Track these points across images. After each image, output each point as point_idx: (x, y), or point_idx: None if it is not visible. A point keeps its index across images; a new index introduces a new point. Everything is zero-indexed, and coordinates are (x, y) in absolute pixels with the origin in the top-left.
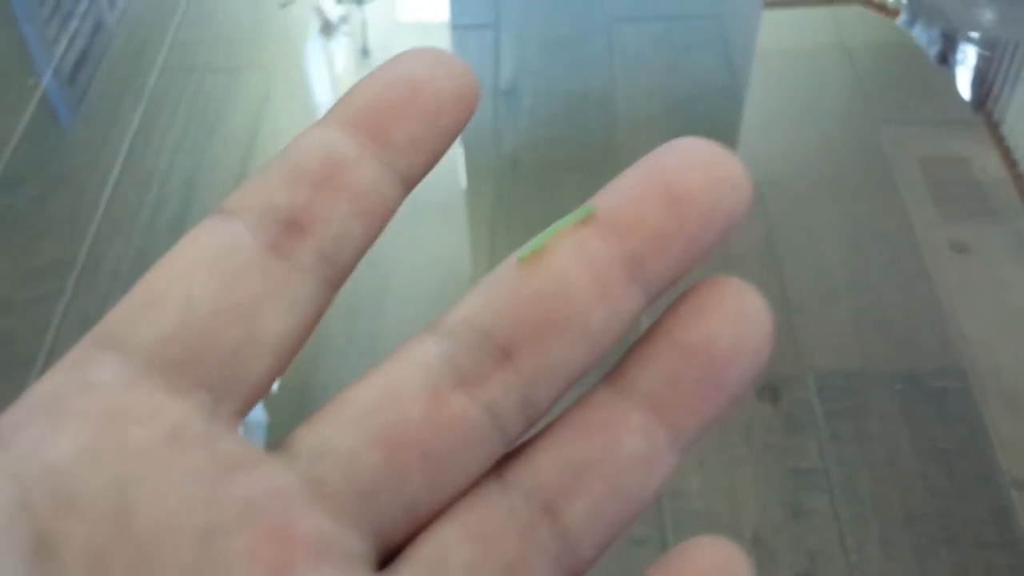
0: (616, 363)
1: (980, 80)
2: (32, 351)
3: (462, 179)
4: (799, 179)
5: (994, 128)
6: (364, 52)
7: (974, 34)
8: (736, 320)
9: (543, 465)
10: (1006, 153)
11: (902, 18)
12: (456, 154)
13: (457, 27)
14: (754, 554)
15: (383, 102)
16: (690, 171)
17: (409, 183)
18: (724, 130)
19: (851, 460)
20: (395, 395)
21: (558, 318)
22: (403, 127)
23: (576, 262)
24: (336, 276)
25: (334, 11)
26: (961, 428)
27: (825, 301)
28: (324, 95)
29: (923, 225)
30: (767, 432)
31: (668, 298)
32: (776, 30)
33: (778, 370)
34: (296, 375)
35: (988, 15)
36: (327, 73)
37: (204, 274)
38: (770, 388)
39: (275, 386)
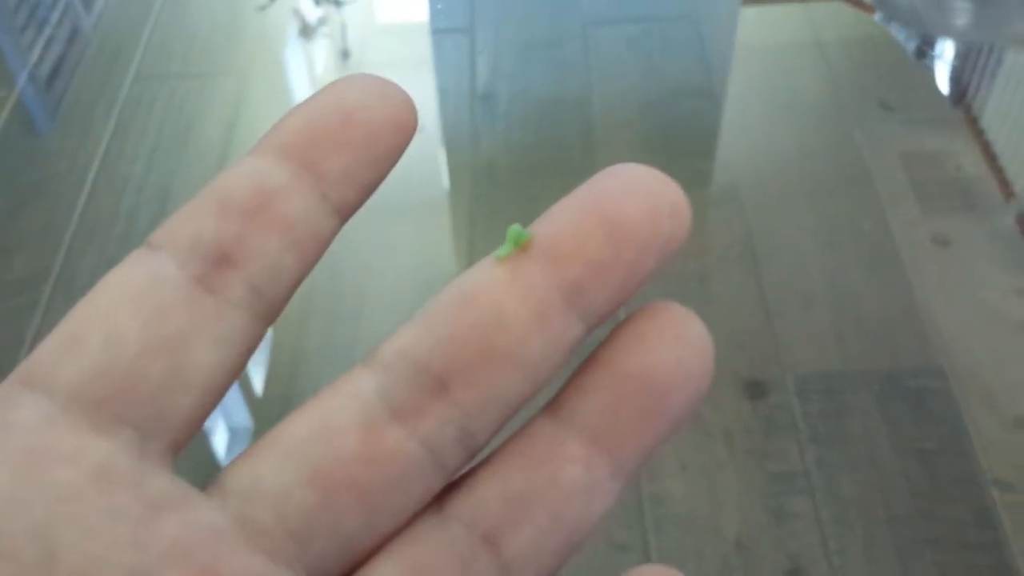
0: (557, 392)
1: (958, 75)
2: (7, 365)
3: (440, 184)
4: (776, 179)
5: (973, 122)
6: (344, 54)
7: (948, 38)
8: (676, 346)
9: (484, 496)
10: (986, 147)
11: (879, 14)
12: (434, 158)
13: (434, 31)
14: (737, 558)
15: (315, 131)
16: (627, 198)
17: (344, 213)
18: (701, 131)
19: (832, 462)
20: (329, 431)
21: (495, 349)
22: (336, 157)
23: (513, 292)
24: (268, 309)
25: (313, 13)
26: (941, 428)
27: (804, 302)
28: (304, 98)
29: (903, 222)
30: (747, 435)
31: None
32: (751, 27)
33: (758, 372)
34: (279, 385)
35: (961, 19)
36: (307, 76)
37: (129, 310)
38: (753, 384)
39: (260, 392)
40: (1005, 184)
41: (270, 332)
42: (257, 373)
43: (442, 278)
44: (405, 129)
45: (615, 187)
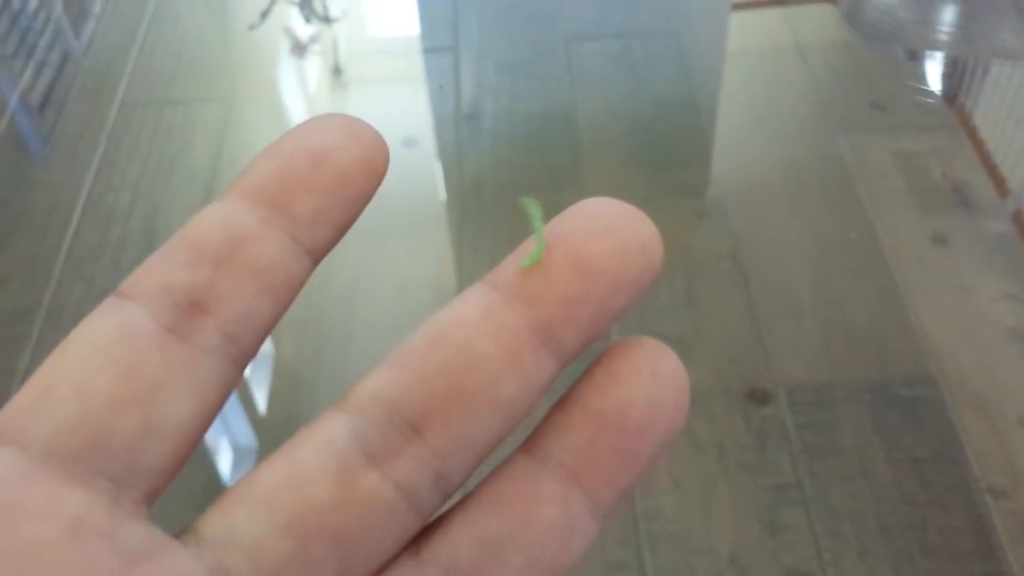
0: (532, 431)
1: (950, 73)
2: None
3: (427, 201)
4: (764, 189)
5: (966, 120)
6: (336, 70)
7: (935, 52)
8: (651, 384)
9: (460, 540)
10: (979, 145)
11: (861, 33)
12: (420, 179)
13: (421, 50)
14: (731, 573)
15: (285, 174)
16: (597, 235)
17: (316, 255)
18: (687, 144)
19: (825, 474)
20: (303, 477)
21: (468, 390)
22: (307, 199)
23: (484, 332)
24: (241, 355)
25: (304, 31)
26: (933, 436)
27: (794, 314)
28: (299, 115)
29: (897, 223)
30: (740, 449)
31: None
32: (731, 35)
33: (749, 385)
34: (281, 404)
35: (947, 34)
36: (299, 94)
37: (101, 361)
38: (745, 397)
39: (263, 412)
40: (1000, 182)
41: (272, 352)
42: (260, 393)
43: (430, 296)
44: (376, 169)
45: (585, 224)
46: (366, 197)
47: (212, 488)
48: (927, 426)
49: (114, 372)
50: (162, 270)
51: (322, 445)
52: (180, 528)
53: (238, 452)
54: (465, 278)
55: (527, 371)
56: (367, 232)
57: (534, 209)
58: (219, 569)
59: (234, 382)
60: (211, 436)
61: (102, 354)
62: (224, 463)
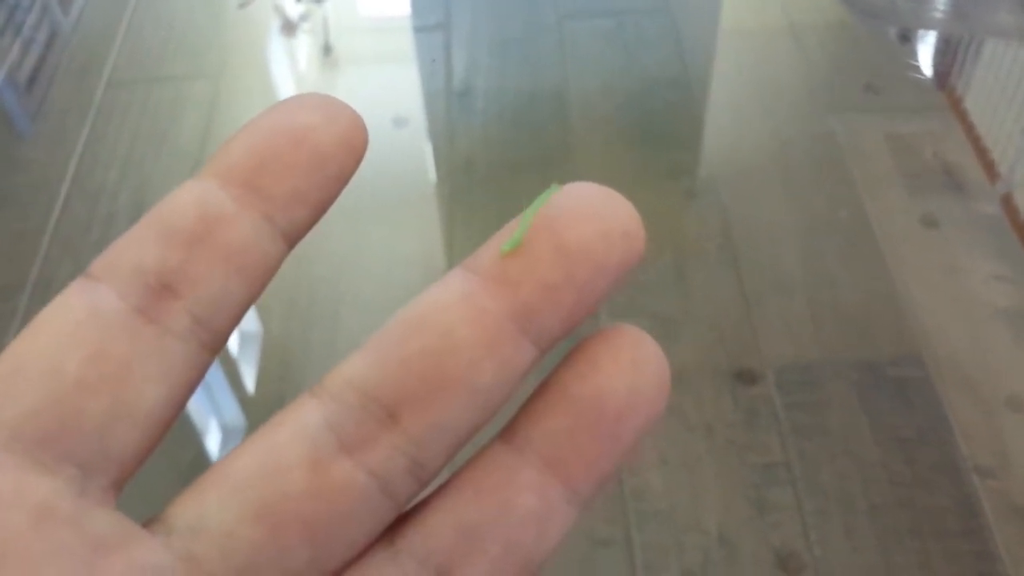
0: (511, 418)
1: (942, 57)
2: None
3: (417, 180)
4: (755, 169)
5: (957, 103)
6: (326, 49)
7: (927, 31)
8: (631, 371)
9: (436, 529)
10: (970, 129)
11: (852, 12)
12: (411, 157)
13: (412, 28)
14: (719, 551)
15: (262, 153)
16: (579, 220)
17: (292, 237)
18: (679, 123)
19: (813, 453)
20: (276, 465)
21: (445, 376)
22: (284, 179)
23: (463, 317)
24: (213, 339)
25: (294, 10)
26: (921, 416)
27: (784, 293)
28: (288, 93)
29: (887, 205)
30: (728, 428)
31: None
32: (724, 13)
33: (738, 364)
34: (270, 383)
35: (940, 12)
36: (289, 72)
37: (69, 344)
38: (734, 376)
39: (252, 391)
40: (990, 166)
41: (260, 330)
42: (248, 371)
43: (420, 274)
44: (355, 149)
45: (567, 208)
46: (344, 178)
47: (199, 466)
48: (915, 406)
49: (82, 355)
50: (133, 251)
51: (295, 432)
52: (152, 514)
53: (226, 431)
54: (455, 257)
55: (506, 357)
56: (357, 210)
57: (545, 197)
58: (188, 558)
59: (205, 366)
60: (199, 415)
61: (70, 336)
62: (212, 442)
